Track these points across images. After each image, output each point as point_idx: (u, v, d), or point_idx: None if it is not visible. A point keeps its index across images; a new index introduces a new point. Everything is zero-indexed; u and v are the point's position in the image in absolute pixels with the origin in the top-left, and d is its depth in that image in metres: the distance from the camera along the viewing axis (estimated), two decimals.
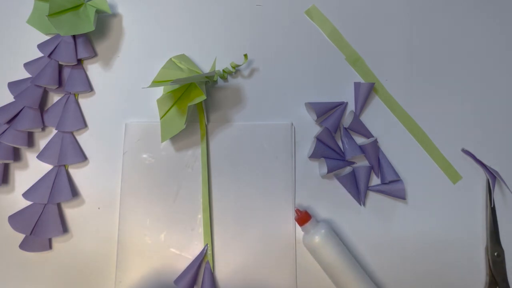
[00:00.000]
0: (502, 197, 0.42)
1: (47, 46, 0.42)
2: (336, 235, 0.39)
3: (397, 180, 0.41)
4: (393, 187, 0.41)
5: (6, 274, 0.41)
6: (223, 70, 0.42)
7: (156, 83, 0.39)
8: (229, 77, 0.43)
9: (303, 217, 0.38)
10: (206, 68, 0.43)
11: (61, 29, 0.39)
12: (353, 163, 0.42)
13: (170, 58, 0.41)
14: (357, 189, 0.41)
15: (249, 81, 0.43)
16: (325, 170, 0.40)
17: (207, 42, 0.44)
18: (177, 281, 0.38)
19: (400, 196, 0.41)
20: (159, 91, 0.42)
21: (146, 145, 0.42)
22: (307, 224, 0.38)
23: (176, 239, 0.40)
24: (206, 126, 0.42)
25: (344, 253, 0.37)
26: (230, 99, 0.43)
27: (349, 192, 0.41)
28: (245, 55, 0.42)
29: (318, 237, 0.37)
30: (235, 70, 0.42)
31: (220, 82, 0.43)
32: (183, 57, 0.42)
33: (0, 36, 0.44)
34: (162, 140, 0.39)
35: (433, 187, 0.42)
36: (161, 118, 0.40)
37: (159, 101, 0.41)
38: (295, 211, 0.39)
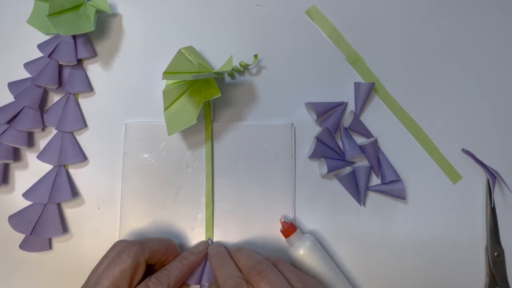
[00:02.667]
0: (502, 197, 0.42)
1: (47, 46, 0.42)
2: (321, 247, 0.39)
3: (397, 180, 0.41)
4: (393, 187, 0.41)
5: (6, 274, 0.41)
6: (232, 68, 0.42)
7: (167, 74, 0.37)
8: (228, 77, 0.43)
9: (288, 229, 0.38)
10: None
11: (61, 29, 0.39)
12: (353, 163, 0.42)
13: (180, 49, 0.40)
14: (357, 189, 0.41)
15: (249, 81, 0.43)
16: (325, 170, 0.40)
17: (207, 42, 0.44)
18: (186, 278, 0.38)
19: (400, 196, 0.41)
20: (160, 90, 0.42)
21: (146, 145, 0.42)
22: (292, 236, 0.38)
23: (176, 239, 0.40)
24: (211, 122, 0.42)
25: (329, 266, 0.37)
26: (229, 99, 0.43)
27: (349, 192, 0.41)
28: (255, 56, 0.42)
29: (303, 249, 0.37)
30: (243, 69, 0.42)
31: (220, 82, 0.43)
32: (191, 49, 0.41)
33: (0, 36, 0.44)
34: (169, 134, 0.38)
35: (433, 187, 0.42)
36: (164, 110, 0.39)
37: (165, 92, 0.40)
38: (280, 223, 0.39)
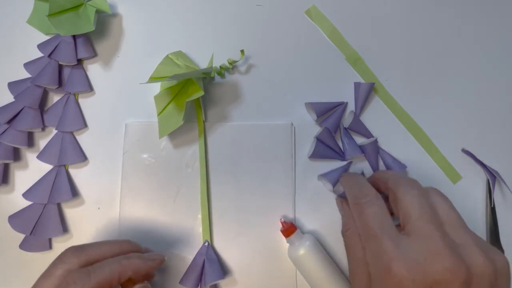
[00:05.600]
0: (502, 197, 0.42)
1: (47, 46, 0.42)
2: (321, 247, 0.38)
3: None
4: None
5: (6, 274, 0.41)
6: (220, 66, 0.42)
7: (153, 79, 0.39)
8: (229, 77, 0.43)
9: (289, 229, 0.38)
10: (205, 66, 0.43)
11: (61, 29, 0.39)
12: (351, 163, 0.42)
13: (167, 55, 0.41)
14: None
15: (249, 81, 0.43)
16: (329, 186, 0.40)
17: (208, 42, 0.44)
18: (183, 281, 0.38)
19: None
20: (159, 89, 0.42)
21: (146, 145, 0.42)
22: (292, 236, 0.38)
23: (176, 239, 0.40)
24: (204, 122, 0.42)
25: (329, 266, 0.37)
26: (230, 99, 0.43)
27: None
28: (242, 51, 0.42)
29: (303, 250, 0.37)
30: (232, 66, 0.42)
31: (221, 82, 0.43)
32: (180, 54, 0.42)
33: (0, 36, 0.44)
34: (160, 137, 0.39)
35: (433, 187, 0.42)
36: (158, 115, 0.40)
37: (157, 97, 0.41)
38: (281, 223, 0.39)
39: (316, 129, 0.42)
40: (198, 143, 0.42)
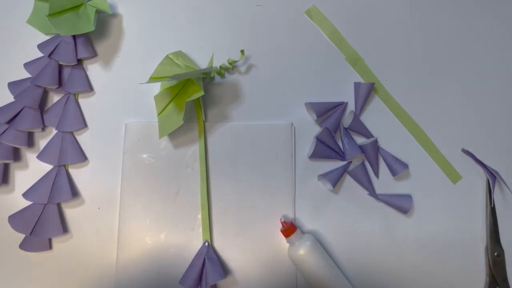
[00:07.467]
0: (502, 197, 0.42)
1: (47, 46, 0.42)
2: (321, 246, 0.39)
3: (406, 195, 0.41)
4: (401, 200, 0.40)
5: (6, 274, 0.41)
6: (220, 66, 0.42)
7: (153, 79, 0.39)
8: (229, 77, 0.43)
9: (289, 229, 0.38)
10: (205, 66, 0.43)
11: (61, 29, 0.39)
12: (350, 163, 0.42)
13: (167, 55, 0.41)
14: (370, 181, 0.41)
15: (249, 82, 0.43)
16: (330, 186, 0.40)
17: (208, 43, 0.44)
18: (183, 281, 0.38)
19: (404, 210, 0.40)
20: (159, 89, 0.42)
21: (146, 145, 0.42)
22: (292, 236, 0.38)
23: (176, 239, 0.40)
24: (204, 122, 0.42)
25: (329, 265, 0.38)
26: (230, 99, 0.43)
27: (363, 184, 0.41)
28: (242, 51, 0.42)
29: (303, 249, 0.37)
30: (232, 66, 0.42)
31: (221, 82, 0.43)
32: (179, 54, 0.42)
33: (0, 36, 0.44)
34: (160, 137, 0.39)
35: (433, 187, 0.42)
36: (158, 115, 0.40)
37: (157, 97, 0.41)
38: (281, 223, 0.39)
39: (316, 129, 0.42)
40: (198, 143, 0.42)
